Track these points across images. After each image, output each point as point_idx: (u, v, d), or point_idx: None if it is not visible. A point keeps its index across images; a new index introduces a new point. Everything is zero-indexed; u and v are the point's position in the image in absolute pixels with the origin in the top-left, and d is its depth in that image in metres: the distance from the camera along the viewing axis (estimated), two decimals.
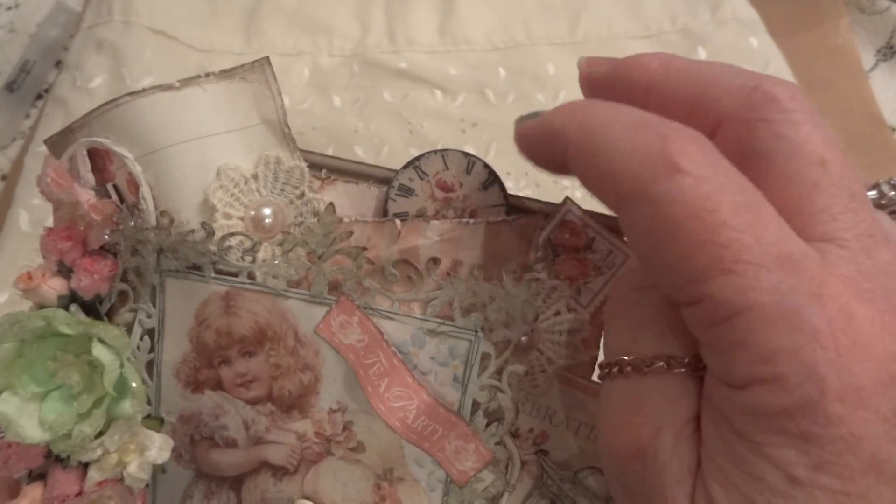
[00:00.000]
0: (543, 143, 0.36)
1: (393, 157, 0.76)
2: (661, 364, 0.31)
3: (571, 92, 0.80)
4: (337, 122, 0.77)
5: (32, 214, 0.73)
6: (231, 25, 0.82)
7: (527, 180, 0.77)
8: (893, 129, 0.85)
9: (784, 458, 0.26)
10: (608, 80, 0.36)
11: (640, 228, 0.30)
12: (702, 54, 0.84)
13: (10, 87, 0.84)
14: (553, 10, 0.87)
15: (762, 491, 0.27)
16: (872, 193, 0.32)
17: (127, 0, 0.82)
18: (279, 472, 0.41)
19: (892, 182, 0.32)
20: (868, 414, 0.25)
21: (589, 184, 0.32)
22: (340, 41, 0.83)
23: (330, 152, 0.74)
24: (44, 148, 0.74)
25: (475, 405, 0.39)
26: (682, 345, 0.31)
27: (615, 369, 0.33)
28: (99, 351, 0.38)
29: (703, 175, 0.28)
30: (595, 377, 0.35)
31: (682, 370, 0.31)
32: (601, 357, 0.36)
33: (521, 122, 0.38)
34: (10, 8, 0.90)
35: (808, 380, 0.26)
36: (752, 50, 0.85)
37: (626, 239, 0.35)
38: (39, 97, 0.87)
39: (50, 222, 0.71)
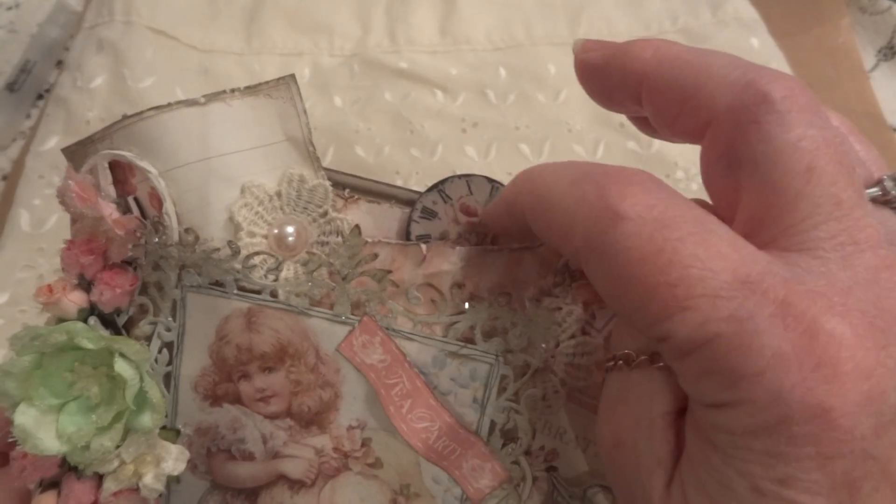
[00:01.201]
0: (505, 216, 0.37)
1: (394, 157, 0.76)
2: (645, 358, 0.32)
3: (572, 92, 0.81)
4: (338, 122, 0.77)
5: (33, 214, 0.72)
6: (232, 25, 0.82)
7: None
8: (894, 130, 0.85)
9: (751, 471, 0.27)
10: (602, 68, 0.36)
11: (597, 279, 0.30)
12: None
13: (11, 87, 0.84)
14: (553, 10, 0.87)
15: (730, 500, 0.27)
16: (874, 190, 0.31)
17: (128, 0, 0.81)
18: (296, 485, 0.41)
19: (895, 177, 0.32)
20: (838, 434, 0.25)
21: (549, 243, 0.34)
22: (341, 41, 0.82)
23: (331, 153, 0.75)
24: (45, 148, 0.75)
25: (492, 426, 0.40)
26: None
27: (611, 363, 0.34)
28: (121, 367, 0.38)
29: (644, 217, 0.28)
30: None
31: (662, 364, 0.31)
32: None
33: (487, 205, 0.40)
34: (10, 8, 0.89)
35: (773, 404, 0.26)
36: (753, 50, 0.85)
37: None
38: (40, 97, 0.86)
39: (50, 223, 0.72)
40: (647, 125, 0.37)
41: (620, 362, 0.33)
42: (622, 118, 0.79)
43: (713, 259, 0.27)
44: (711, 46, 0.84)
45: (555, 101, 0.81)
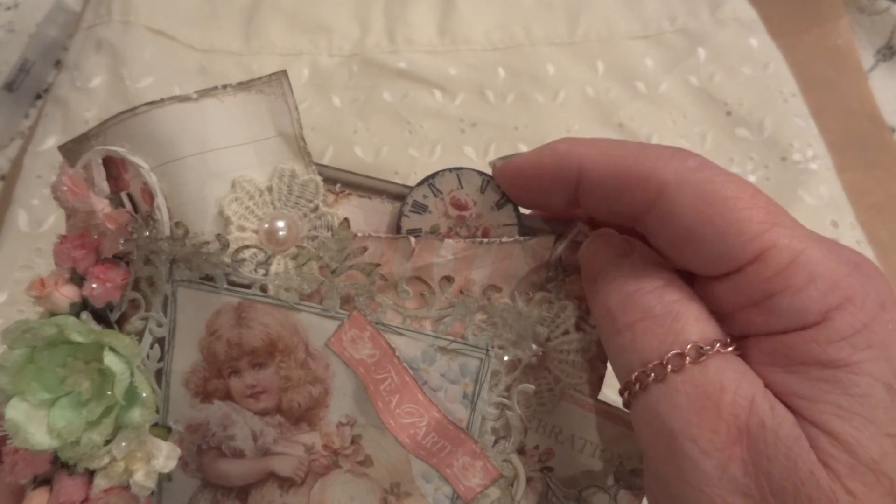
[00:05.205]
0: (542, 174, 0.37)
1: (392, 157, 0.76)
2: (718, 346, 0.32)
3: (571, 92, 0.81)
4: (336, 122, 0.77)
5: (31, 214, 0.72)
6: (230, 25, 0.82)
7: None
8: (893, 130, 0.85)
9: (876, 371, 0.29)
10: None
11: (683, 213, 0.32)
12: (702, 54, 0.85)
13: (10, 86, 0.84)
14: (552, 10, 0.88)
15: (874, 406, 0.29)
16: None
17: (126, 0, 0.81)
18: (286, 483, 0.41)
19: None
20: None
21: (609, 198, 0.35)
22: (340, 41, 0.83)
23: (329, 152, 0.75)
24: (43, 148, 0.75)
25: (484, 422, 0.40)
26: (719, 328, 0.33)
27: (651, 376, 0.32)
28: (111, 360, 0.38)
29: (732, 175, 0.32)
30: (622, 395, 0.34)
31: (731, 349, 0.32)
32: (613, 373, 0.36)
33: (504, 160, 0.39)
34: (9, 8, 0.90)
35: (872, 296, 0.30)
36: (752, 50, 0.85)
37: (652, 240, 0.35)
38: (39, 97, 0.86)
39: (49, 223, 0.72)
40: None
41: (686, 361, 0.31)
42: (621, 118, 0.79)
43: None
44: (710, 46, 0.86)
45: (553, 102, 0.81)
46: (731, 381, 0.31)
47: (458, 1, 0.85)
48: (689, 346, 0.32)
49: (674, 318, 0.32)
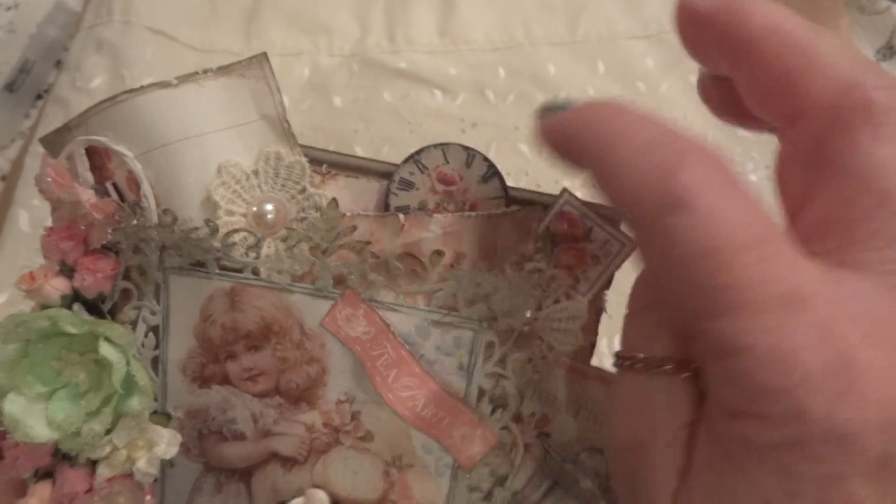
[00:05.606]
0: (562, 143, 0.34)
1: (393, 156, 0.75)
2: (670, 367, 0.31)
3: (571, 92, 0.81)
4: (337, 122, 0.77)
5: (32, 214, 0.73)
6: (231, 26, 0.83)
7: (527, 180, 0.77)
8: None
9: (763, 483, 0.27)
10: (705, 18, 0.32)
11: (648, 253, 0.30)
12: None
13: (10, 87, 0.85)
14: (553, 10, 0.87)
15: None
16: None
17: (127, 0, 0.82)
18: (288, 462, 0.41)
19: None
20: (853, 457, 0.25)
21: (600, 190, 0.31)
22: (340, 41, 0.83)
23: None
24: (43, 148, 0.75)
25: (481, 392, 0.40)
26: (691, 351, 0.31)
27: (627, 363, 0.33)
28: (106, 350, 0.38)
29: (710, 210, 0.27)
30: (611, 365, 0.35)
31: (688, 375, 0.31)
32: (616, 346, 0.35)
33: (545, 114, 0.35)
34: (9, 8, 0.91)
35: (795, 421, 0.26)
36: None
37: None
38: (39, 97, 0.87)
39: (50, 223, 0.72)
40: (718, 97, 0.36)
41: (640, 366, 0.32)
42: None
43: (769, 270, 0.26)
44: None
45: None
46: (656, 402, 0.32)
47: (458, 1, 0.86)
48: (646, 356, 0.32)
49: (657, 325, 0.32)
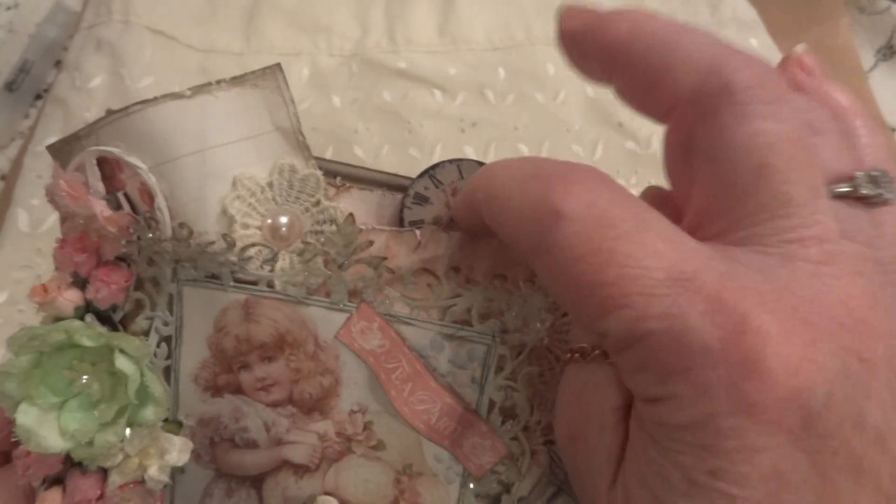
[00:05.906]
0: (466, 211, 0.38)
1: (393, 156, 0.76)
2: (599, 352, 0.33)
3: (571, 92, 0.81)
4: (336, 122, 0.77)
5: (31, 214, 0.72)
6: (230, 25, 0.82)
7: None
8: (893, 130, 0.85)
9: (684, 463, 0.27)
10: (580, 37, 0.34)
11: (545, 278, 0.31)
12: None
13: (10, 87, 0.84)
14: (552, 10, 0.86)
15: (667, 491, 0.28)
16: (845, 188, 0.30)
17: (126, 0, 0.81)
18: (300, 470, 0.41)
19: (872, 174, 0.30)
20: (764, 427, 0.26)
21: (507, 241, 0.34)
22: (340, 41, 0.83)
23: (329, 152, 0.75)
24: (43, 148, 0.74)
25: (491, 404, 0.40)
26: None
27: (568, 356, 0.35)
28: (122, 363, 0.38)
29: (583, 216, 0.28)
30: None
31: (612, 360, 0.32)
32: None
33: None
34: (9, 8, 0.90)
35: (700, 398, 0.26)
36: (752, 49, 0.85)
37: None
38: (39, 97, 0.86)
39: (49, 223, 0.72)
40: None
41: (577, 355, 0.34)
42: (621, 118, 0.79)
43: (649, 257, 0.27)
44: None
45: (553, 101, 0.81)
46: (590, 388, 0.33)
47: (458, 1, 0.85)
48: (582, 345, 0.34)
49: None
